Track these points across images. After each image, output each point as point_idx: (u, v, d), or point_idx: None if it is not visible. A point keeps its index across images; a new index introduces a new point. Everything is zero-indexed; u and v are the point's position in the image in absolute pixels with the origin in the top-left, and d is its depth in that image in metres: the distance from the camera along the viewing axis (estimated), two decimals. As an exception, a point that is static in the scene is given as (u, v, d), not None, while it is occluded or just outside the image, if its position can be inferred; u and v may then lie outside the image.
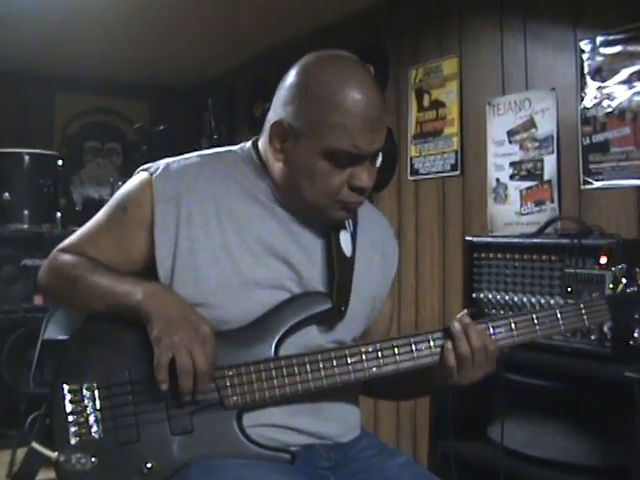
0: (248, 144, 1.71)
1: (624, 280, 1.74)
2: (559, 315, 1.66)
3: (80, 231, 1.71)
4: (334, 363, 1.54)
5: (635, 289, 1.73)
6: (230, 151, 1.72)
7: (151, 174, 1.62)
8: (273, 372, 1.52)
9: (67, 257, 1.66)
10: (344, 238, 1.67)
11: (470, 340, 1.56)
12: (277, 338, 1.56)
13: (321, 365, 1.53)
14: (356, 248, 1.70)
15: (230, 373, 1.51)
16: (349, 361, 1.55)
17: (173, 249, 1.56)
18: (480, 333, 1.57)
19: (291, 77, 1.57)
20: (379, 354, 1.56)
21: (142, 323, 1.50)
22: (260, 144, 1.68)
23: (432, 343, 1.58)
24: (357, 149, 1.51)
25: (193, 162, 1.66)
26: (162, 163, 1.65)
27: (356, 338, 1.72)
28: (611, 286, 1.79)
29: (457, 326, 1.57)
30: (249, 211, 1.61)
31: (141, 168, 1.67)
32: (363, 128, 1.49)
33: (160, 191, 1.59)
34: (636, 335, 1.73)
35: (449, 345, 1.57)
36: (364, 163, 1.54)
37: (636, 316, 1.71)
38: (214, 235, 1.58)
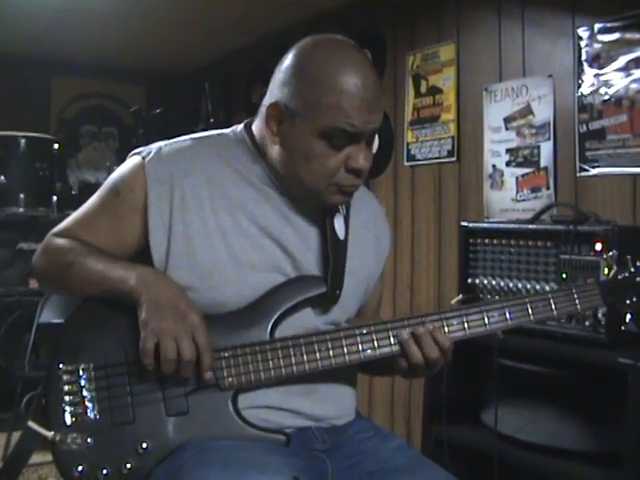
0: (240, 127, 1.71)
1: (615, 266, 1.76)
2: (552, 300, 1.66)
3: (74, 215, 1.71)
4: (329, 345, 1.55)
5: (627, 275, 1.74)
6: (222, 134, 1.72)
7: (144, 158, 1.62)
8: (269, 354, 1.53)
9: (61, 241, 1.66)
10: (337, 221, 1.68)
11: (422, 348, 1.55)
12: (272, 321, 1.57)
13: (316, 347, 1.54)
14: (349, 230, 1.70)
15: (226, 354, 1.52)
16: (344, 343, 1.56)
17: (167, 233, 1.57)
18: (432, 339, 1.56)
19: (288, 60, 1.57)
20: (374, 336, 1.57)
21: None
22: (254, 127, 1.68)
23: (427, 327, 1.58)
24: (353, 127, 1.51)
25: (186, 145, 1.66)
26: (154, 147, 1.65)
27: (351, 318, 1.73)
28: (605, 272, 1.80)
29: (405, 335, 1.56)
30: (242, 194, 1.62)
31: (134, 152, 1.67)
32: (360, 107, 1.50)
33: (153, 175, 1.59)
34: (628, 320, 1.74)
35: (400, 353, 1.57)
36: (360, 143, 1.54)
37: (627, 302, 1.73)
38: (208, 218, 1.58)
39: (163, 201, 1.57)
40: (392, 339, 1.57)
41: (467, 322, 1.61)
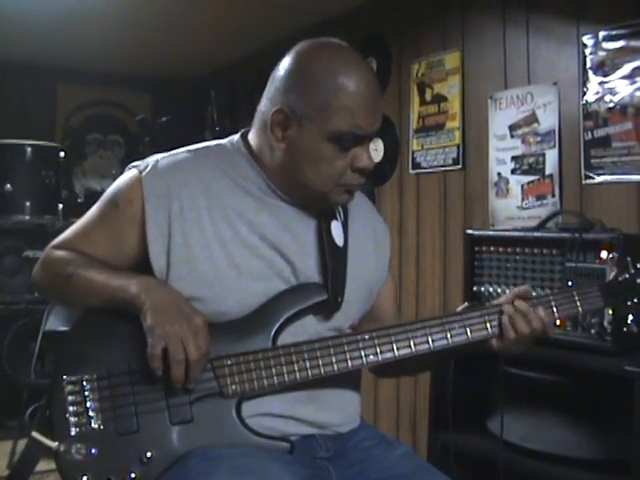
0: (237, 137, 1.73)
1: (616, 268, 1.77)
2: (553, 303, 1.67)
3: (73, 228, 1.71)
4: (331, 351, 1.55)
5: (627, 277, 1.74)
6: (219, 145, 1.73)
7: (140, 172, 1.62)
8: (271, 361, 1.53)
9: (61, 254, 1.67)
10: (336, 228, 1.69)
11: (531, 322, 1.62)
12: (275, 329, 1.57)
13: (318, 353, 1.55)
14: (348, 236, 1.72)
15: (229, 362, 1.52)
16: (346, 349, 1.56)
17: (167, 245, 1.57)
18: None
19: (288, 65, 1.59)
20: (375, 342, 1.57)
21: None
22: (251, 136, 1.69)
23: (428, 331, 1.59)
24: (360, 129, 1.54)
25: (182, 157, 1.67)
26: (151, 160, 1.66)
27: (354, 324, 1.74)
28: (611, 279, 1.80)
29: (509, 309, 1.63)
30: (241, 203, 1.62)
31: (131, 165, 1.68)
32: (365, 108, 1.53)
33: (150, 188, 1.59)
34: (629, 322, 1.75)
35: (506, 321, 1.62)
36: (364, 144, 1.57)
37: (629, 303, 1.73)
38: (207, 229, 1.58)
39: (161, 214, 1.58)
40: (394, 345, 1.57)
41: (469, 327, 1.61)
